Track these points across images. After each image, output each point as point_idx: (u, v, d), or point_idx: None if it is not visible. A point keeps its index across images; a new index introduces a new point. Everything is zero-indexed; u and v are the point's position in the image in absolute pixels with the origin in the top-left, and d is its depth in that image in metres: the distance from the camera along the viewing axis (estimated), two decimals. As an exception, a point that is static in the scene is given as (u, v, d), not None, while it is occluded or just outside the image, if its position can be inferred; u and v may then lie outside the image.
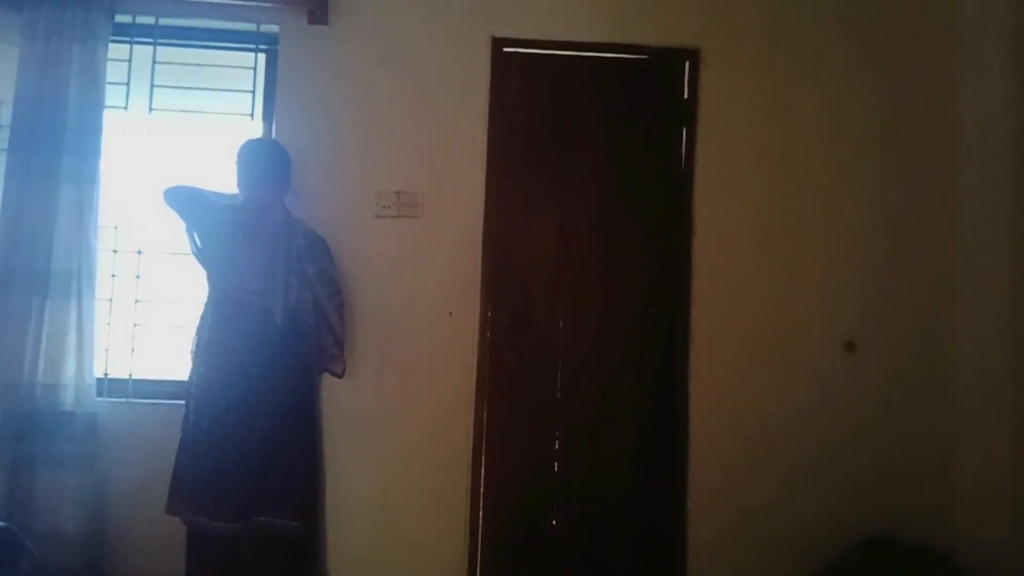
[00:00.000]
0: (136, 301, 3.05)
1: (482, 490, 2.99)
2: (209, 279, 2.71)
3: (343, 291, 2.77)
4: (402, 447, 2.96)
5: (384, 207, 3.00)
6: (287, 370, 2.62)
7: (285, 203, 2.77)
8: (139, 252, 3.06)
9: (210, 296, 2.69)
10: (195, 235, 2.71)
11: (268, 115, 3.09)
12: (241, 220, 2.66)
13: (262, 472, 2.55)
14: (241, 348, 2.58)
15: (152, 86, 3.09)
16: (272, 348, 2.59)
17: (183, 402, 2.74)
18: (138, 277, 3.05)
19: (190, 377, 2.69)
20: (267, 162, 2.73)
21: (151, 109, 3.10)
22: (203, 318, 2.71)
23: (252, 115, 3.11)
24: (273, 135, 3.02)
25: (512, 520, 3.01)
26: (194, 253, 2.72)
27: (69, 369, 2.83)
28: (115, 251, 3.04)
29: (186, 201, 2.70)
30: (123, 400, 2.97)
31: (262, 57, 3.12)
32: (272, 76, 3.08)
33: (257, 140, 2.79)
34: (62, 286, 2.83)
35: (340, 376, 2.73)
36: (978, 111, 3.01)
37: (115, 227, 3.04)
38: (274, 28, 3.07)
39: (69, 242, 2.84)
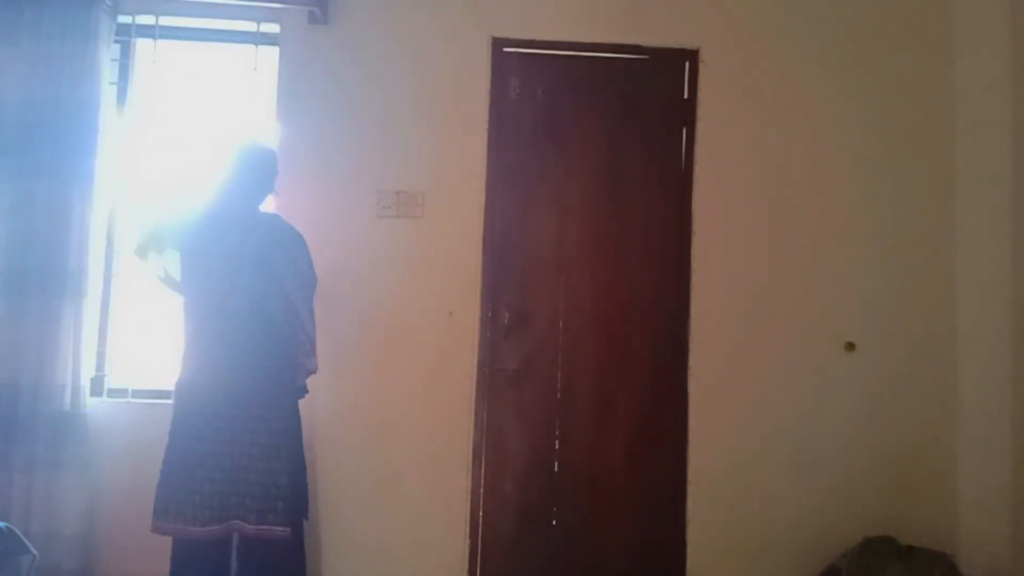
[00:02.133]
0: (133, 301, 3.05)
1: (482, 490, 2.99)
2: (184, 283, 2.62)
3: (314, 285, 2.62)
4: (402, 447, 2.97)
5: (384, 207, 3.01)
6: (263, 370, 2.51)
7: (257, 202, 2.65)
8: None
9: (186, 300, 2.59)
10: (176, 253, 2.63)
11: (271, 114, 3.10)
12: (206, 224, 2.56)
13: (243, 475, 2.45)
14: (216, 349, 2.49)
15: (150, 86, 3.10)
16: (247, 347, 2.49)
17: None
18: (134, 278, 3.05)
19: (178, 381, 2.57)
20: (243, 168, 2.61)
21: (150, 109, 3.10)
22: (184, 322, 2.61)
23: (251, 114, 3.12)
24: (278, 133, 3.03)
25: (512, 520, 3.01)
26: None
27: (64, 370, 2.83)
28: (115, 251, 3.05)
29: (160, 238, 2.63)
30: (119, 400, 2.97)
31: (261, 56, 3.11)
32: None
33: (241, 145, 2.68)
34: (58, 286, 2.82)
35: (312, 371, 2.61)
36: (978, 111, 3.02)
37: (114, 227, 3.04)
38: (275, 28, 3.07)
39: (65, 242, 2.84)
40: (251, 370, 2.49)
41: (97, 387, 2.98)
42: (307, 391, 2.67)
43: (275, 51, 3.07)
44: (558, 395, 3.06)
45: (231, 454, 2.45)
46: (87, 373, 2.90)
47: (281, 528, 2.46)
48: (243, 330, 2.49)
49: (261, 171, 2.64)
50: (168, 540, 2.61)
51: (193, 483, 2.44)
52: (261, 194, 2.66)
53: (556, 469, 3.04)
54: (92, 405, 2.91)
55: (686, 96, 3.12)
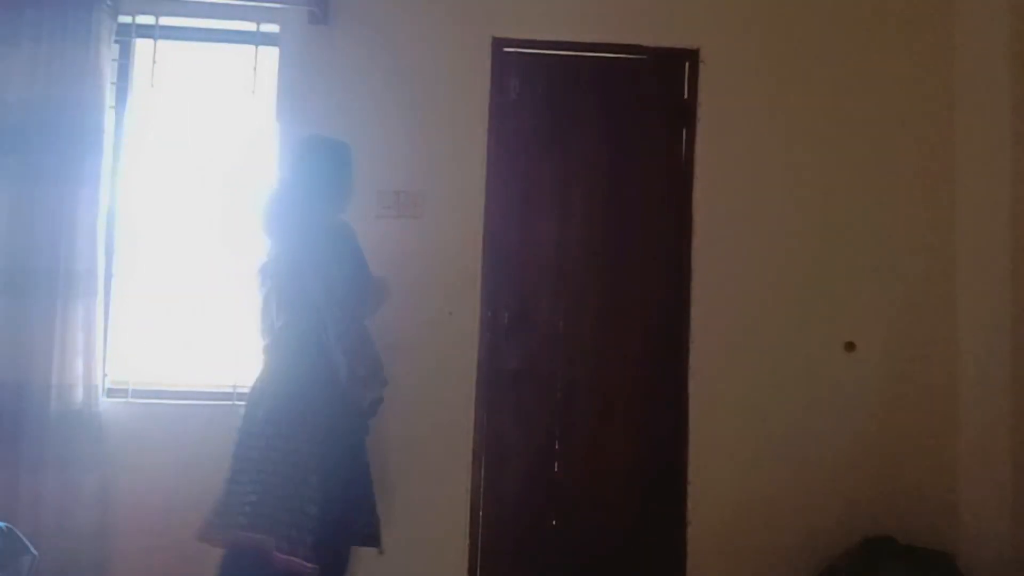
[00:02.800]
0: (133, 301, 3.06)
1: (482, 490, 2.99)
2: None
3: (355, 299, 2.38)
4: (402, 447, 2.96)
5: (384, 207, 3.00)
6: (297, 388, 2.31)
7: (314, 205, 2.44)
8: (142, 251, 3.08)
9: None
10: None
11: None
12: (267, 232, 2.46)
13: (276, 493, 2.26)
14: (268, 360, 2.41)
15: (150, 86, 3.10)
16: (285, 363, 2.36)
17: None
18: (139, 276, 3.07)
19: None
20: (299, 167, 2.49)
21: (150, 109, 3.10)
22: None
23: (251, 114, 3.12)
24: (277, 133, 3.03)
25: (512, 520, 3.01)
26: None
27: (75, 369, 2.83)
28: (117, 251, 3.05)
29: None
30: (118, 400, 2.96)
31: (261, 56, 3.11)
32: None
33: (303, 141, 2.54)
34: (67, 286, 2.82)
35: (349, 390, 2.35)
36: (978, 110, 3.01)
37: (117, 227, 3.04)
38: (274, 28, 3.07)
39: (74, 243, 2.84)
40: (287, 387, 2.32)
41: (107, 387, 2.97)
42: (372, 414, 2.44)
43: (275, 51, 3.07)
44: (558, 395, 3.06)
45: (271, 471, 2.28)
46: (99, 372, 2.90)
47: (308, 565, 2.19)
48: (284, 345, 2.37)
49: (318, 170, 2.46)
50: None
51: (242, 489, 2.30)
52: (319, 196, 2.43)
53: (556, 469, 3.04)
54: (106, 404, 2.91)
55: (686, 96, 3.12)
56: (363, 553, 2.93)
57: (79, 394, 2.83)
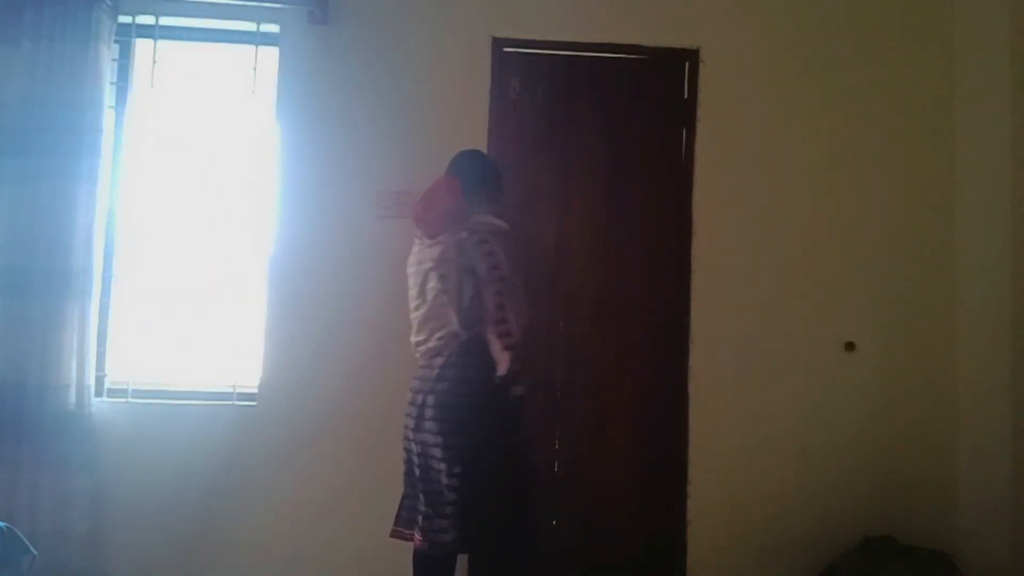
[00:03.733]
0: (132, 301, 3.06)
1: (482, 490, 2.98)
2: None
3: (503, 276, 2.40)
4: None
5: (384, 207, 3.00)
6: (460, 383, 2.42)
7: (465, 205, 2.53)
8: (142, 251, 3.07)
9: None
10: None
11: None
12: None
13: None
14: (427, 363, 2.49)
15: (150, 86, 3.10)
16: (450, 358, 2.43)
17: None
18: (139, 276, 3.07)
19: None
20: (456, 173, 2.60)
21: (150, 109, 3.10)
22: None
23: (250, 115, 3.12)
24: (277, 133, 3.03)
25: (512, 520, 3.00)
26: None
27: (69, 369, 2.82)
28: (116, 250, 3.05)
29: None
30: (118, 400, 2.97)
31: (261, 56, 3.11)
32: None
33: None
34: (62, 286, 2.82)
35: (507, 350, 2.36)
36: (978, 110, 3.02)
37: (116, 227, 3.04)
38: (274, 28, 3.07)
39: (70, 242, 2.83)
40: (451, 383, 2.44)
41: (97, 387, 2.97)
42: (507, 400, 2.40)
43: (275, 51, 3.07)
44: (558, 395, 3.06)
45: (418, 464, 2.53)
46: (92, 373, 2.89)
47: (418, 538, 2.48)
48: (450, 340, 2.46)
49: (475, 177, 2.59)
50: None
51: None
52: (472, 199, 2.55)
53: (556, 469, 3.04)
54: (99, 405, 2.91)
55: (686, 96, 3.12)
56: (363, 551, 2.92)
57: (72, 395, 2.83)
